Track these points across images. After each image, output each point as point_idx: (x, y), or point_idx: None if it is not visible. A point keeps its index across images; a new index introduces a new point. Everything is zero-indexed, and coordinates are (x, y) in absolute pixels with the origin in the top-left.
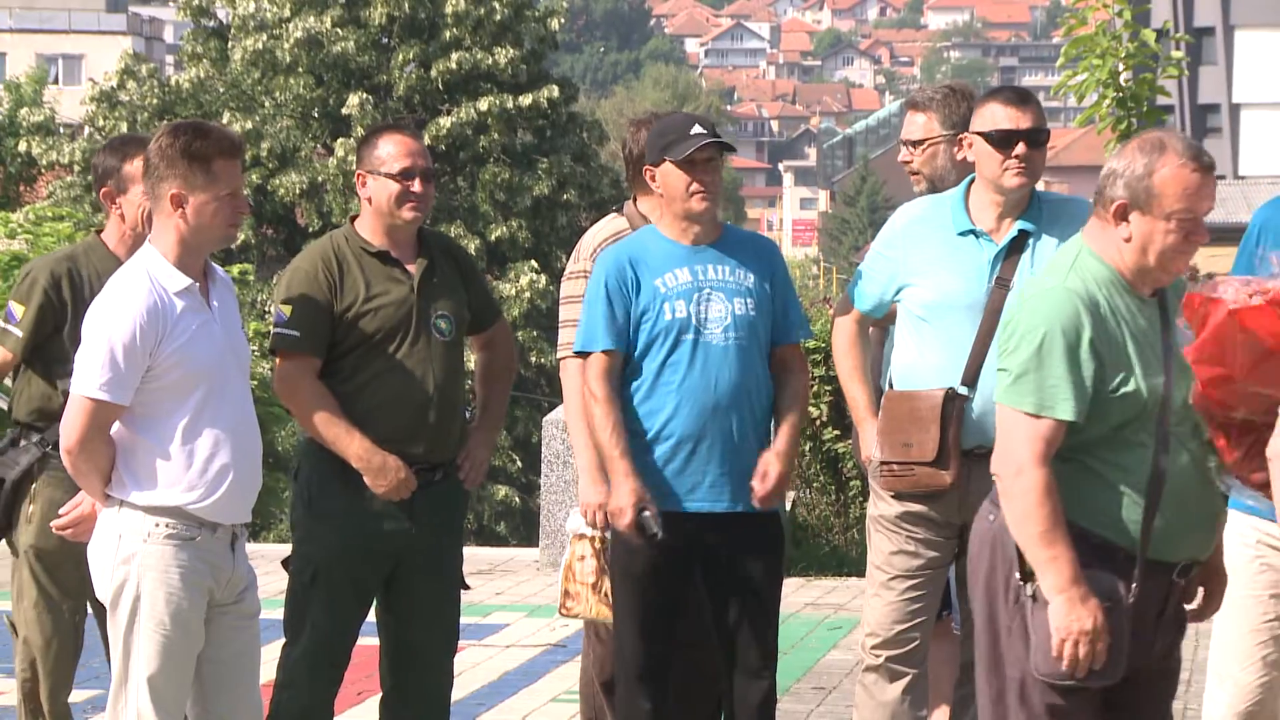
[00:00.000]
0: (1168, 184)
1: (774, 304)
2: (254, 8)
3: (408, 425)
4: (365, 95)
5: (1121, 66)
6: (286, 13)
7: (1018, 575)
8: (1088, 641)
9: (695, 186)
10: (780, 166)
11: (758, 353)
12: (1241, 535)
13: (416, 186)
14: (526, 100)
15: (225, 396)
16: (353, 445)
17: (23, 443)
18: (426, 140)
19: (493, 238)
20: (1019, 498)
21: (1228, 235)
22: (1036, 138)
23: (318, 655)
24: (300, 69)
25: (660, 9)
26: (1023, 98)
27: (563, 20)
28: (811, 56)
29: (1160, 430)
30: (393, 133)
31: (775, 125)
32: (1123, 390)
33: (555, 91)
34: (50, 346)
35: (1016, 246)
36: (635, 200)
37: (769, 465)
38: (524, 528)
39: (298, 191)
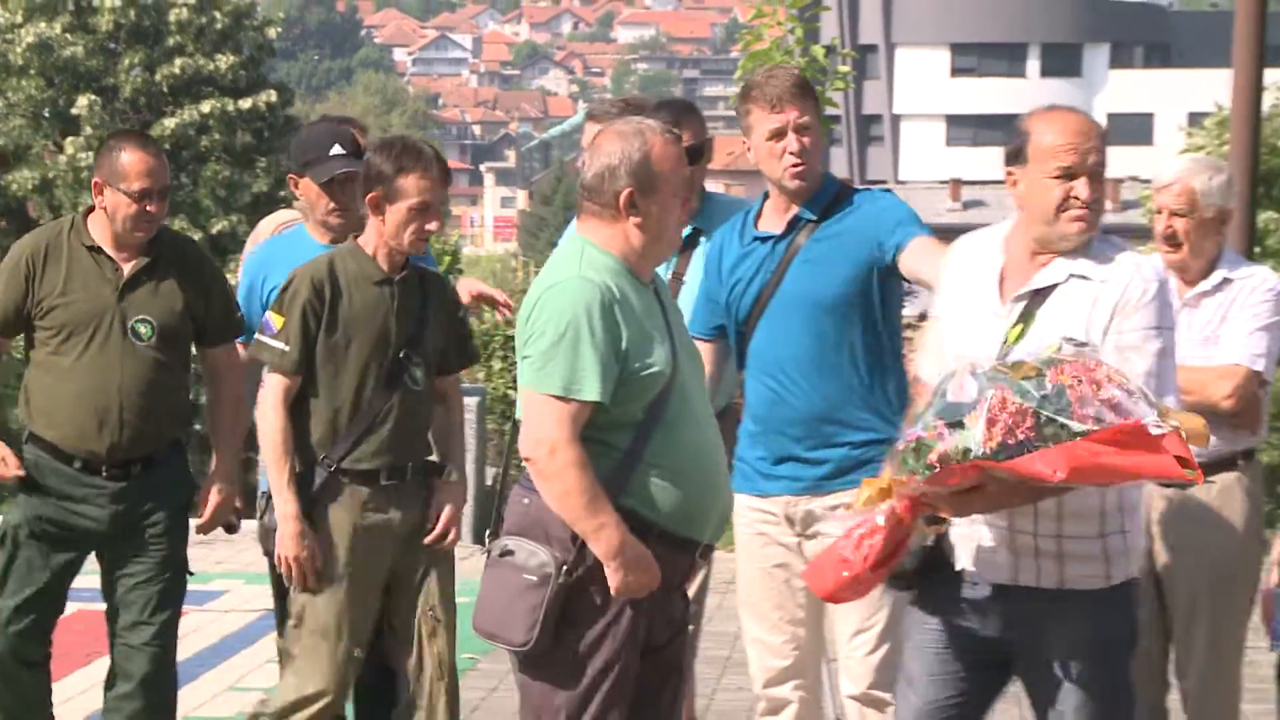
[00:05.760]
0: (659, 163)
1: None
2: None
3: (89, 422)
4: (94, 97)
5: None
6: (19, 19)
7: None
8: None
9: (331, 206)
10: (482, 168)
11: None
12: (739, 514)
13: (152, 207)
14: (246, 104)
15: None
16: None
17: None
18: None
19: (214, 231)
20: (559, 475)
21: None
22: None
23: (15, 609)
24: (32, 71)
25: (370, 20)
26: (677, 117)
27: (279, 29)
28: (510, 66)
29: (676, 408)
30: (135, 148)
31: (477, 129)
32: (646, 370)
33: (273, 96)
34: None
35: (689, 244)
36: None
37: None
38: (242, 500)
39: (30, 187)
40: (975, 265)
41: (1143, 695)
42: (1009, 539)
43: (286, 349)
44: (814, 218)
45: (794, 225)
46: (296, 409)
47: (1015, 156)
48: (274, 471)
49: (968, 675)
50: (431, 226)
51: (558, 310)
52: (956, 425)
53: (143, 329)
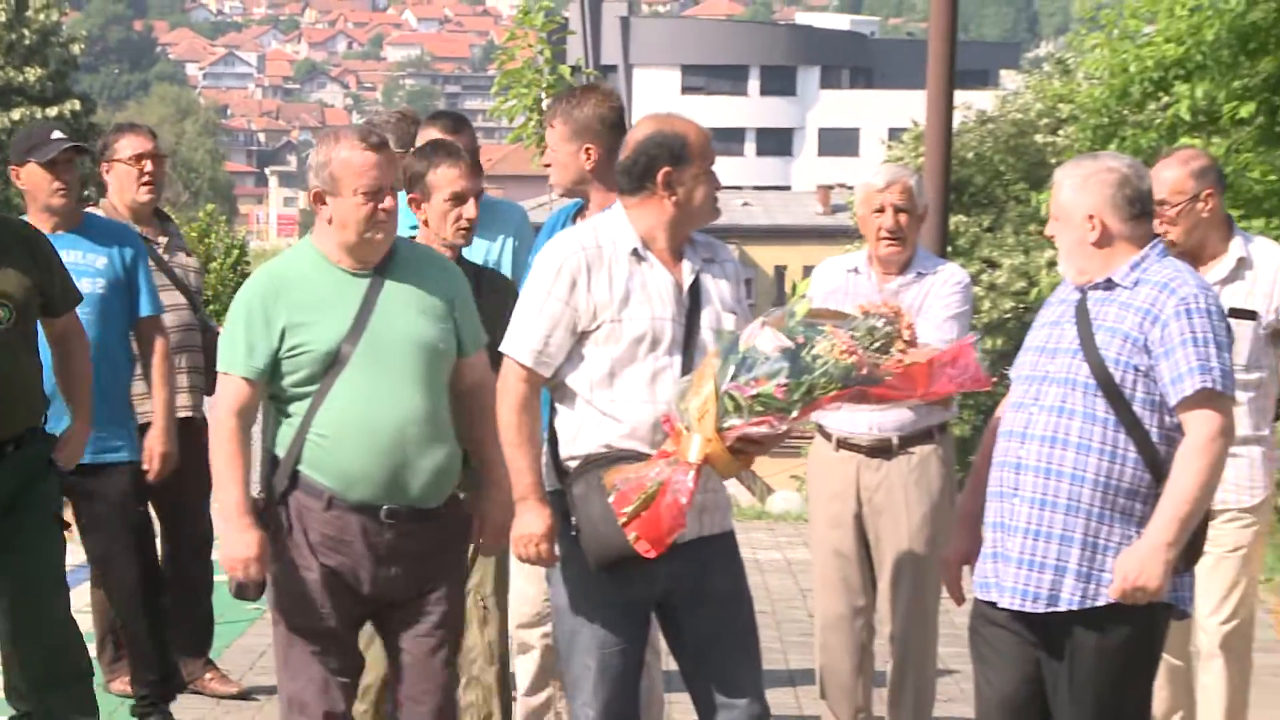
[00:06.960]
0: (344, 166)
1: (129, 282)
2: None
3: None
4: None
5: (544, 95)
6: None
7: None
8: (251, 567)
9: (57, 185)
10: (266, 171)
11: (105, 324)
12: None
13: None
14: (53, 112)
15: None
16: None
17: None
18: None
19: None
20: (214, 444)
21: None
22: None
23: None
24: None
25: (165, 39)
26: (455, 126)
27: (83, 45)
28: (292, 81)
29: (346, 382)
30: None
31: (262, 137)
32: (303, 349)
33: (77, 105)
34: None
35: None
36: None
37: None
38: None
39: None
40: (627, 273)
41: (854, 639)
42: (713, 498)
43: None
44: None
45: None
46: None
47: (676, 160)
48: None
49: (638, 638)
50: (470, 214)
51: (236, 300)
52: (800, 365)
53: (1, 313)
